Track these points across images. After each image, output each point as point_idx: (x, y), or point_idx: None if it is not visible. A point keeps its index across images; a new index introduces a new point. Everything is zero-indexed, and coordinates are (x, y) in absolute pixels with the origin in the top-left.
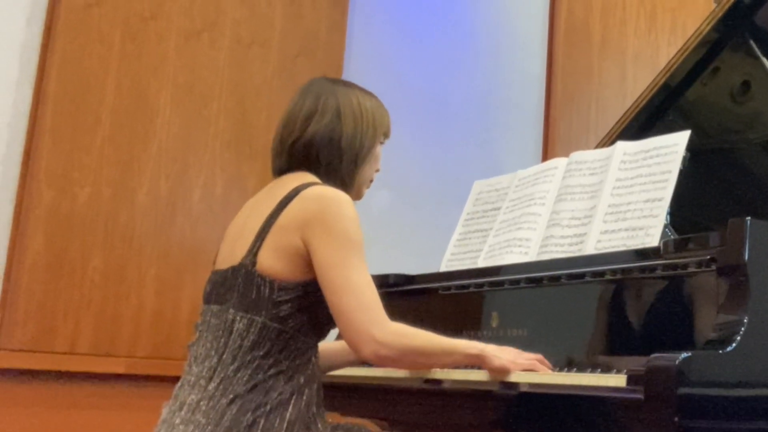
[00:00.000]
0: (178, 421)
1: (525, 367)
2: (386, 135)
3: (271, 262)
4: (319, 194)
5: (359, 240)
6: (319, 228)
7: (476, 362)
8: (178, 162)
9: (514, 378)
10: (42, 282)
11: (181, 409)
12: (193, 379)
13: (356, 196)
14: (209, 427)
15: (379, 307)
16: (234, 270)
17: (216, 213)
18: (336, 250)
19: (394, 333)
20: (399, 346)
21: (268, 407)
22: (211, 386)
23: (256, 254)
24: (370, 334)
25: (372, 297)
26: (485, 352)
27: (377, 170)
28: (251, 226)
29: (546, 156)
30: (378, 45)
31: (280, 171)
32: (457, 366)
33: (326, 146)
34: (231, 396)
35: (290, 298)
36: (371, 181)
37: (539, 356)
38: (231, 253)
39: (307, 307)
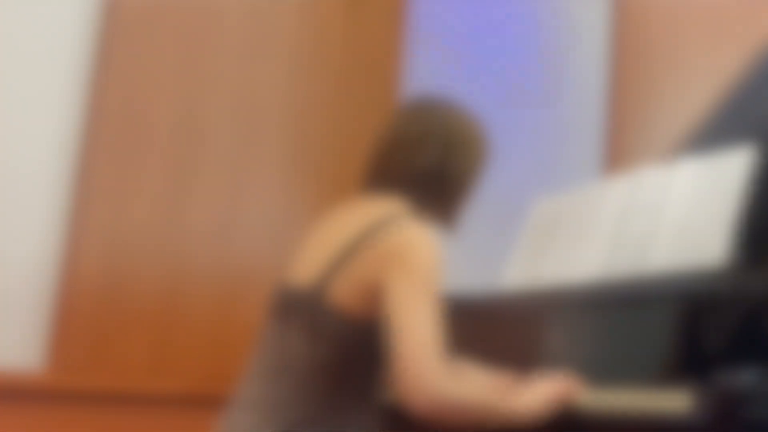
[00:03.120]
0: None
1: (551, 401)
2: (485, 165)
3: (343, 293)
4: (406, 229)
5: (435, 282)
6: (398, 265)
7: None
8: (234, 181)
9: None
10: (96, 302)
11: None
12: (245, 400)
13: (453, 227)
14: None
15: (439, 354)
16: (304, 291)
17: (272, 232)
18: (408, 288)
19: (445, 388)
20: (447, 400)
21: None
22: (266, 412)
23: (329, 281)
24: (425, 383)
25: (433, 345)
26: (515, 412)
27: None
28: (331, 249)
29: (608, 174)
30: (438, 65)
31: (371, 191)
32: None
33: (432, 179)
34: (284, 429)
35: (353, 333)
36: None
37: (561, 381)
38: (306, 270)
39: (368, 344)
